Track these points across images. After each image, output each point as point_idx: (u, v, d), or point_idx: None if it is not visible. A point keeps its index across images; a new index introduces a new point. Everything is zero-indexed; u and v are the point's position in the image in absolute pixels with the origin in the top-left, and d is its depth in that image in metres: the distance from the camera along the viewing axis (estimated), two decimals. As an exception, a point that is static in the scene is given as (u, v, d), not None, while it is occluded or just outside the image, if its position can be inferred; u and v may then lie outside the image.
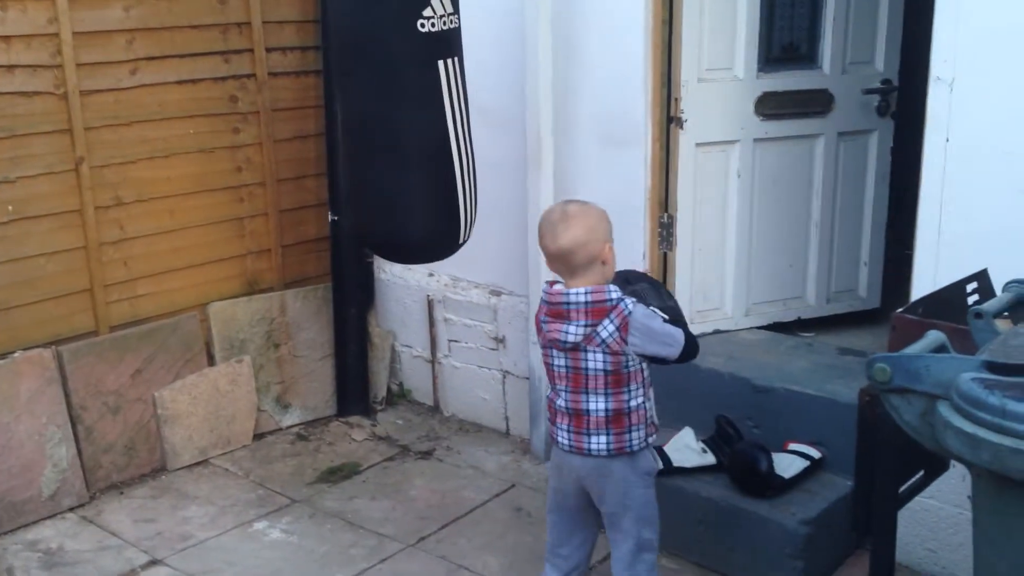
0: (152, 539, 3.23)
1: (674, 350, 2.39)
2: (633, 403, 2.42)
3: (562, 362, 2.44)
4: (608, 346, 2.36)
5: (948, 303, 2.18)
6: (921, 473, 2.19)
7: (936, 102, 2.75)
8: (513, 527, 3.28)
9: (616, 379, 2.40)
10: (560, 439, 2.49)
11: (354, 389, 4.16)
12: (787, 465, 3.00)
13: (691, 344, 2.41)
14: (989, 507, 1.54)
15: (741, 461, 2.99)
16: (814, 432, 3.11)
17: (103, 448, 3.53)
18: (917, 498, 2.26)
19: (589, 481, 2.51)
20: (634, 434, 2.43)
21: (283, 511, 3.41)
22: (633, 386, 2.41)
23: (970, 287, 2.29)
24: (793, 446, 3.10)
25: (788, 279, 3.75)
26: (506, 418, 3.97)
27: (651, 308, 2.39)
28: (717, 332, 3.64)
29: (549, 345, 2.46)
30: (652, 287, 2.53)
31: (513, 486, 3.56)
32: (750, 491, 2.95)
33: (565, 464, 2.52)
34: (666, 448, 3.16)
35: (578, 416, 2.45)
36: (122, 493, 3.53)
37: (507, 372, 3.92)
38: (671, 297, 2.55)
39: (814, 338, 3.69)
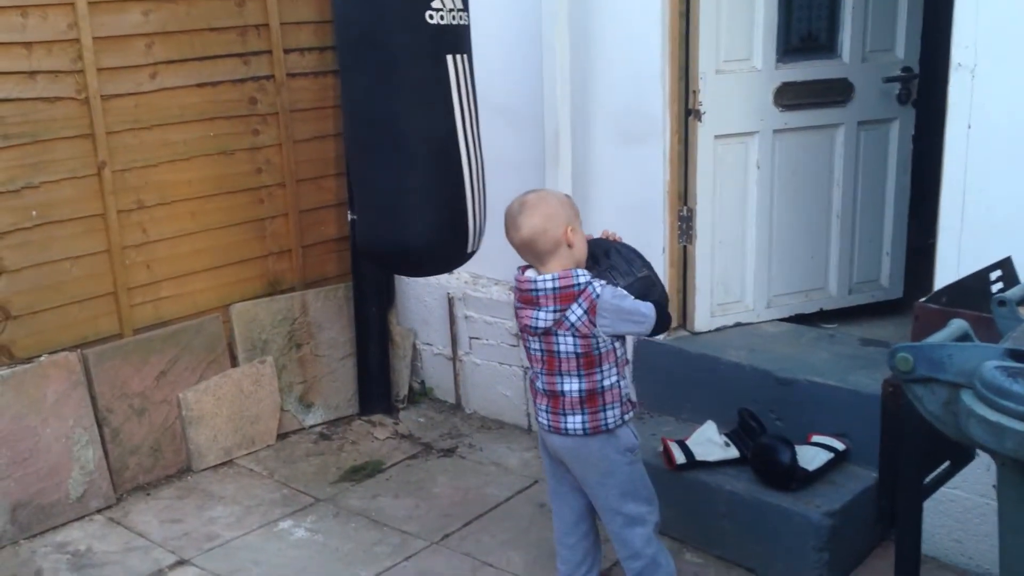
0: (179, 539, 3.26)
1: (645, 327, 2.46)
2: (607, 382, 2.47)
3: (536, 345, 2.51)
4: (577, 329, 2.42)
5: (971, 292, 2.16)
6: (946, 464, 2.17)
7: (957, 89, 2.72)
8: (536, 523, 3.28)
9: (588, 360, 2.46)
10: (540, 419, 2.59)
11: (376, 388, 4.18)
12: (811, 457, 2.99)
13: (662, 317, 2.48)
14: (1014, 496, 1.52)
15: (764, 454, 2.98)
16: (837, 424, 3.09)
17: (129, 450, 3.56)
18: (943, 489, 2.23)
19: (569, 460, 2.59)
20: (609, 412, 2.49)
21: (307, 510, 3.43)
22: (606, 366, 2.47)
23: (994, 275, 2.27)
24: (816, 438, 3.08)
25: (809, 270, 3.72)
26: (527, 414, 3.97)
27: (619, 287, 2.45)
28: (739, 325, 3.63)
29: (523, 330, 2.54)
30: (624, 259, 2.55)
31: (536, 482, 3.56)
32: (774, 484, 2.93)
33: (548, 443, 2.62)
34: (689, 442, 3.16)
35: (554, 397, 2.52)
36: (148, 494, 3.57)
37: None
38: (645, 265, 2.55)
39: (836, 329, 3.67)
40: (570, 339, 2.45)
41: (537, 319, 2.46)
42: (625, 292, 2.44)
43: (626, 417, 2.53)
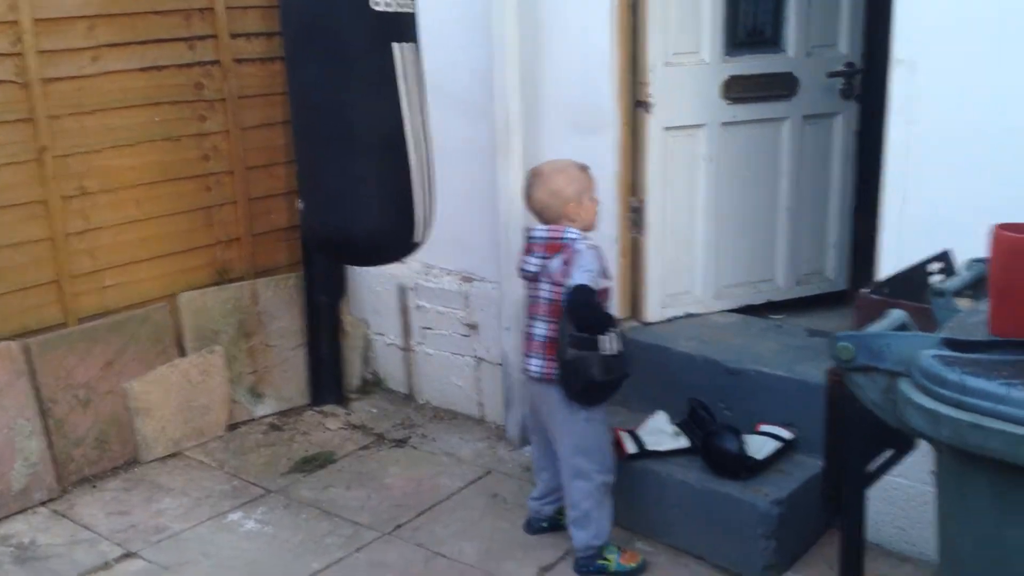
0: (126, 531, 3.22)
1: (577, 282, 2.65)
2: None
3: (526, 291, 2.88)
4: (552, 277, 2.76)
5: (912, 283, 2.20)
6: (890, 451, 2.21)
7: (898, 84, 2.77)
8: (489, 513, 3.29)
9: (554, 308, 2.76)
10: (522, 362, 2.90)
11: (328, 378, 4.15)
12: (759, 447, 3.04)
13: (586, 312, 2.66)
14: (951, 483, 1.56)
15: (714, 443, 3.02)
16: (785, 413, 3.14)
17: (74, 441, 3.50)
18: (887, 477, 2.27)
19: (537, 404, 2.92)
20: None
21: (258, 501, 3.41)
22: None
23: (933, 267, 2.31)
24: (765, 427, 3.13)
25: (758, 262, 3.78)
26: (480, 404, 3.98)
27: (595, 267, 2.71)
28: (689, 316, 3.67)
29: (520, 276, 2.89)
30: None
31: (489, 472, 3.57)
32: (723, 473, 2.98)
33: (526, 385, 2.94)
34: (640, 432, 3.19)
35: (528, 339, 2.86)
36: (94, 486, 3.51)
37: (480, 358, 3.93)
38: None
39: (784, 320, 3.73)
40: (547, 286, 2.77)
41: (528, 263, 2.82)
42: (593, 270, 2.68)
43: None
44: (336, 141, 2.71)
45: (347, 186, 2.74)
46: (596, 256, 2.75)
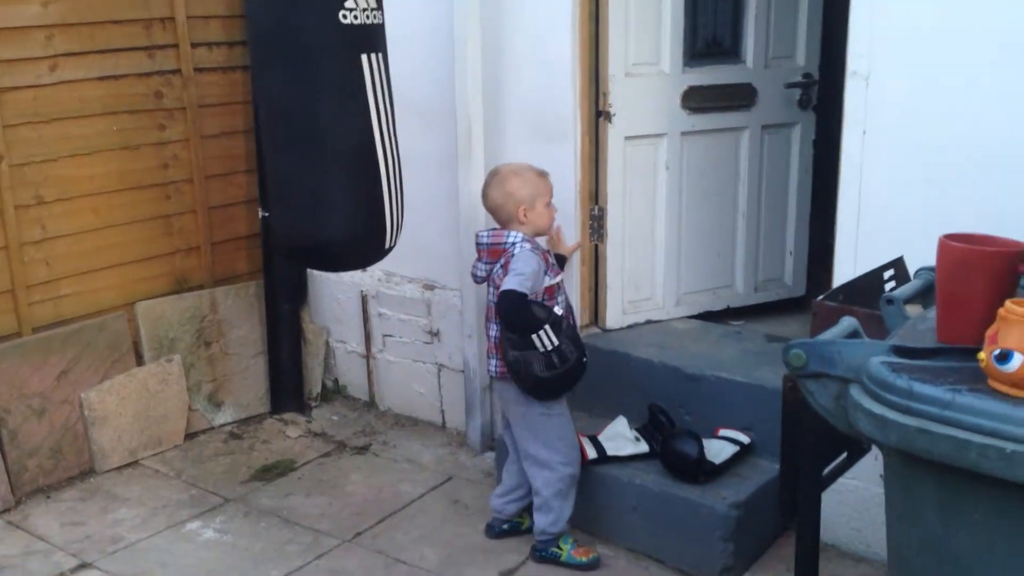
0: (81, 542, 3.17)
1: (503, 287, 2.72)
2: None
3: (483, 295, 3.01)
4: (495, 281, 2.85)
5: (866, 290, 2.25)
6: (844, 455, 2.25)
7: (853, 96, 2.83)
8: (450, 519, 3.30)
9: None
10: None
11: (288, 386, 4.13)
12: (718, 451, 3.07)
13: (505, 303, 2.72)
14: (899, 485, 1.60)
15: (673, 448, 3.05)
16: (743, 418, 3.19)
17: (28, 451, 3.45)
18: (841, 479, 2.32)
19: (500, 400, 3.07)
20: None
21: (216, 510, 3.38)
22: None
23: (887, 274, 2.37)
24: (723, 432, 3.17)
25: (717, 269, 3.82)
26: (442, 411, 3.98)
27: (528, 269, 2.76)
28: (649, 322, 3.70)
29: (474, 281, 3.01)
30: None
31: (450, 479, 3.57)
32: (682, 477, 3.01)
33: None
34: (600, 437, 3.21)
35: (486, 340, 2.99)
36: (49, 497, 3.46)
37: (442, 365, 3.93)
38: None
39: (743, 326, 3.78)
40: (493, 289, 2.85)
41: (478, 269, 2.94)
42: (526, 272, 2.74)
43: None
44: (308, 151, 2.75)
45: (320, 194, 2.78)
46: (533, 257, 2.81)
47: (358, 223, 2.86)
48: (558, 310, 2.82)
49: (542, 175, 2.96)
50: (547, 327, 2.72)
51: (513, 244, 2.84)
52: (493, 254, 2.88)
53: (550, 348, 2.73)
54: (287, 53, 2.68)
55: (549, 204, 2.95)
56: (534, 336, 2.72)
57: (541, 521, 2.98)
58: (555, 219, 3.06)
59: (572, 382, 2.85)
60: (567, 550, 3.00)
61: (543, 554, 3.02)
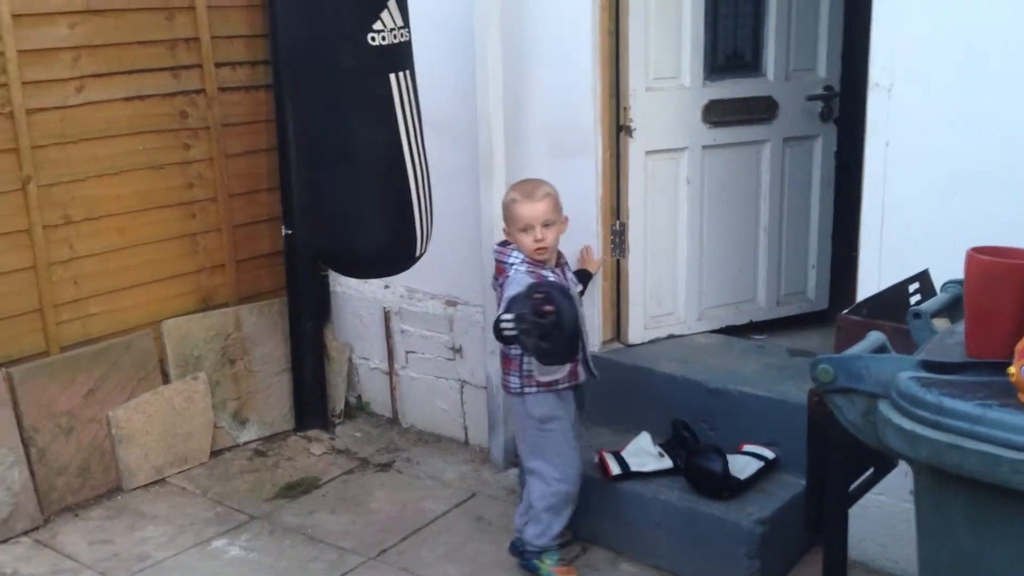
0: (108, 561, 3.19)
1: (498, 315, 2.74)
2: (511, 352, 2.89)
3: None
4: (496, 297, 2.91)
5: (891, 303, 2.24)
6: (871, 470, 2.24)
7: (875, 108, 2.82)
8: (474, 536, 3.29)
9: None
10: None
11: (312, 403, 4.15)
12: (742, 466, 3.05)
13: (495, 332, 2.73)
14: (929, 501, 1.59)
15: (697, 464, 3.04)
16: (767, 433, 3.17)
17: (56, 470, 3.48)
18: (868, 495, 2.30)
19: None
20: (512, 378, 2.93)
21: (242, 528, 3.39)
22: None
23: (912, 287, 2.35)
24: (747, 447, 3.16)
25: (739, 283, 3.81)
26: (465, 428, 3.98)
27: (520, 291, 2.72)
28: (671, 337, 3.69)
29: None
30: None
31: (473, 495, 3.57)
32: (707, 493, 2.99)
33: None
34: (624, 453, 3.20)
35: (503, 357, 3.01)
36: (77, 515, 3.49)
37: (465, 382, 3.94)
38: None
39: (766, 340, 3.76)
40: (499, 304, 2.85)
41: (494, 280, 2.96)
42: (512, 293, 2.73)
43: (527, 389, 2.90)
44: (339, 167, 2.84)
45: (352, 208, 2.86)
46: (526, 280, 2.79)
47: (390, 238, 2.97)
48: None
49: (512, 202, 2.87)
50: (525, 310, 2.65)
51: (511, 265, 2.88)
52: (499, 270, 2.93)
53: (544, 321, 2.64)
54: (318, 76, 2.75)
55: (527, 230, 2.83)
56: (538, 321, 2.63)
57: (529, 532, 3.01)
58: (549, 244, 2.87)
59: (574, 340, 2.72)
60: (547, 565, 3.00)
61: (526, 563, 3.05)
